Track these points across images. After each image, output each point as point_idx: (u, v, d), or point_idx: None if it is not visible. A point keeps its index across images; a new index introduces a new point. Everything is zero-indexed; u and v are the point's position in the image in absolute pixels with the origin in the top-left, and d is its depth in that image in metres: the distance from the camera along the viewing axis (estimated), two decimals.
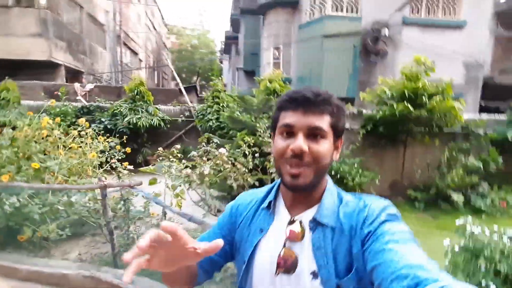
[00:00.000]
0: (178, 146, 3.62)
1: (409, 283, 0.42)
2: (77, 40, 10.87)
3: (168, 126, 7.62)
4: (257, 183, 3.76)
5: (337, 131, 0.65)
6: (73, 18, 10.70)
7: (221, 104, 6.78)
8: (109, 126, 6.73)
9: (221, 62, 25.94)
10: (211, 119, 6.64)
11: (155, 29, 26.07)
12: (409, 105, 4.48)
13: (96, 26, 12.66)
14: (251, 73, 12.58)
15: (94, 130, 4.03)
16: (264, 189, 0.78)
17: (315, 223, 0.64)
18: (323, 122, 0.62)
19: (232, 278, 2.27)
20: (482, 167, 4.90)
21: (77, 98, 8.83)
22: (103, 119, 6.93)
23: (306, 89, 0.64)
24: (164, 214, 3.01)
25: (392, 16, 7.55)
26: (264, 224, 0.70)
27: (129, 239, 2.81)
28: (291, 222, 0.66)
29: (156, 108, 7.47)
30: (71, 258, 2.86)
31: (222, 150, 3.55)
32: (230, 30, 15.67)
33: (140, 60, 20.68)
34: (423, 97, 4.70)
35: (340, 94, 7.91)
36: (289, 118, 0.63)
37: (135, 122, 6.69)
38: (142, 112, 6.98)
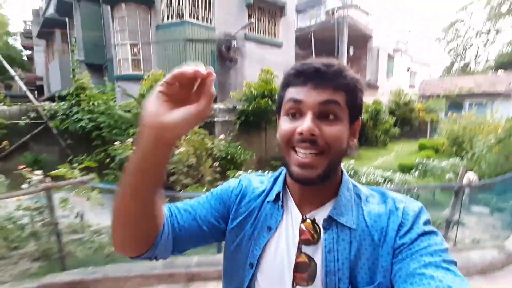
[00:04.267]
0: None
1: None
2: None
3: (5, 131, 5.82)
4: None
5: (354, 111, 0.54)
6: None
7: (92, 103, 6.10)
8: None
9: (28, 48, 19.74)
10: (83, 119, 5.87)
11: None
12: (269, 100, 6.41)
13: None
14: (96, 67, 11.13)
15: None
16: (270, 178, 0.66)
17: (330, 222, 0.54)
18: (338, 98, 0.51)
19: None
20: None
21: None
22: None
23: (316, 60, 0.53)
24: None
25: (238, 31, 9.54)
26: (272, 221, 0.58)
27: None
28: (303, 221, 0.55)
29: None
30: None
31: None
32: (51, 12, 12.68)
33: None
34: (274, 95, 6.83)
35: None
36: (296, 93, 0.52)
37: None
38: None
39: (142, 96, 5.72)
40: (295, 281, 0.53)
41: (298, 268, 0.53)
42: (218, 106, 6.68)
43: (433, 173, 5.00)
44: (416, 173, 5.16)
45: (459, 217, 3.36)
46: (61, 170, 3.28)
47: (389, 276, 0.49)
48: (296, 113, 0.52)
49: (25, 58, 22.48)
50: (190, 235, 0.59)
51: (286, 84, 0.55)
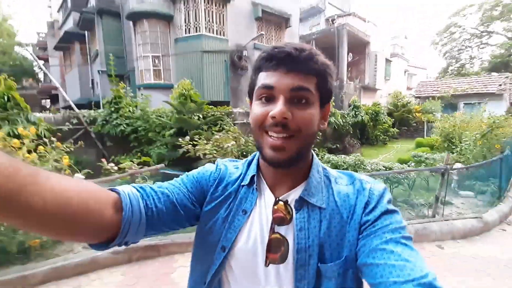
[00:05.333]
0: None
1: None
2: None
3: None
4: None
5: (325, 95, 0.55)
6: None
7: (128, 109, 6.98)
8: None
9: (43, 60, 20.73)
10: (121, 124, 6.74)
11: None
12: None
13: None
14: (117, 77, 12.03)
15: None
16: (244, 163, 0.66)
17: (302, 203, 0.56)
18: (309, 83, 0.52)
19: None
20: None
21: None
22: None
23: (287, 44, 0.53)
24: None
25: (248, 42, 10.48)
26: (247, 204, 0.59)
27: None
28: (276, 203, 0.57)
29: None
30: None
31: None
32: (71, 25, 13.64)
33: None
34: None
35: (219, 98, 10.03)
36: (268, 78, 0.53)
37: (17, 134, 5.55)
38: (21, 122, 5.81)
39: (177, 102, 6.59)
40: (267, 260, 0.54)
41: (271, 248, 0.55)
42: (237, 110, 7.54)
43: (426, 163, 5.84)
44: (412, 164, 5.99)
45: (445, 194, 4.20)
46: (126, 163, 4.16)
47: (354, 249, 0.52)
48: (268, 98, 0.53)
49: (37, 68, 23.48)
50: (165, 218, 0.55)
51: (258, 68, 0.55)
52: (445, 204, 4.39)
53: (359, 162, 5.25)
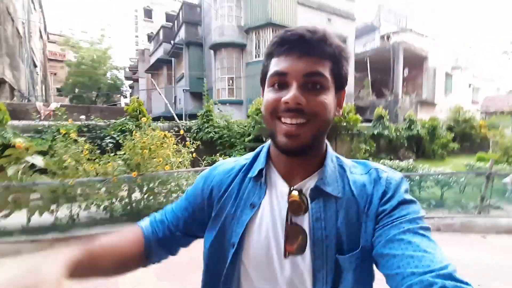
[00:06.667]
0: None
1: None
2: (13, 55, 9.79)
3: None
4: None
5: (340, 81, 0.54)
6: (10, 31, 9.64)
7: (215, 120, 8.98)
8: (120, 141, 7.54)
9: (133, 80, 25.47)
10: (211, 132, 8.73)
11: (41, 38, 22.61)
12: (340, 117, 8.49)
13: (18, 38, 11.30)
14: (197, 94, 14.65)
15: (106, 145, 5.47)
16: (249, 155, 0.65)
17: (317, 192, 0.54)
18: (323, 67, 0.50)
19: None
20: (369, 148, 9.57)
21: (38, 117, 8.47)
22: (114, 135, 7.65)
23: (300, 27, 0.52)
24: None
25: None
26: (255, 197, 0.58)
27: None
28: (290, 193, 0.55)
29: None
30: None
31: None
32: (161, 54, 16.96)
33: (37, 74, 17.90)
34: (343, 113, 8.90)
35: None
36: (280, 64, 0.51)
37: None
38: (145, 128, 8.16)
39: (253, 115, 8.33)
40: (286, 251, 0.53)
41: (288, 239, 0.53)
42: None
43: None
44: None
45: (490, 196, 4.90)
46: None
47: (370, 239, 0.51)
48: (281, 84, 0.51)
49: (127, 87, 28.58)
50: (181, 240, 0.65)
51: (270, 54, 0.54)
52: (494, 207, 5.03)
53: (411, 166, 6.14)
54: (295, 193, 0.54)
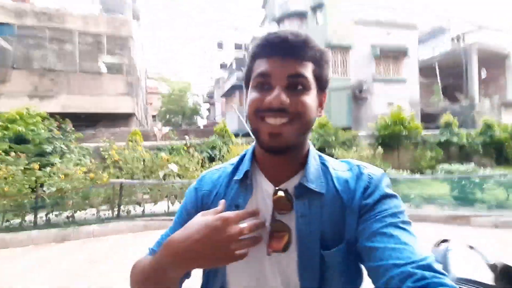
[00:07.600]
0: None
1: (417, 285, 0.41)
2: (136, 95, 13.67)
3: None
4: None
5: (321, 82, 0.57)
6: (135, 78, 13.62)
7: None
8: (212, 155, 9.86)
9: (210, 104, 29.84)
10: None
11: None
12: (401, 127, 9.11)
13: (138, 81, 15.57)
14: None
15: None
16: (234, 159, 0.67)
17: (301, 189, 0.56)
18: (305, 69, 0.53)
19: None
20: (435, 155, 9.72)
21: (154, 139, 11.58)
22: (208, 151, 10.05)
23: (282, 30, 0.54)
24: None
25: (367, 76, 12.76)
26: (238, 198, 0.59)
27: None
28: (275, 192, 0.55)
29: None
30: None
31: None
32: (234, 81, 19.92)
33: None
34: (404, 123, 9.44)
35: (343, 124, 12.58)
36: (264, 66, 0.53)
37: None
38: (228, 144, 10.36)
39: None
40: (270, 247, 0.54)
41: (274, 237, 0.54)
42: (361, 133, 9.90)
43: None
44: None
45: None
46: None
47: (354, 232, 0.53)
48: (265, 85, 0.53)
49: (202, 110, 33.36)
50: None
51: (254, 55, 0.56)
52: None
53: (471, 169, 6.48)
54: (280, 192, 0.55)
